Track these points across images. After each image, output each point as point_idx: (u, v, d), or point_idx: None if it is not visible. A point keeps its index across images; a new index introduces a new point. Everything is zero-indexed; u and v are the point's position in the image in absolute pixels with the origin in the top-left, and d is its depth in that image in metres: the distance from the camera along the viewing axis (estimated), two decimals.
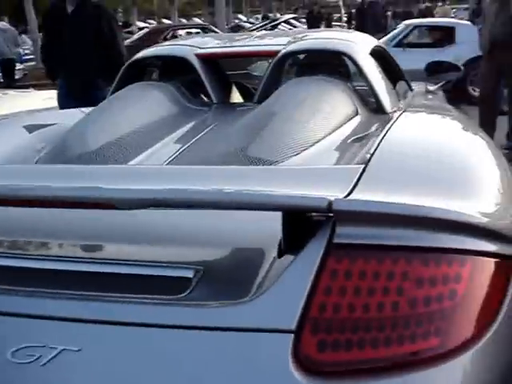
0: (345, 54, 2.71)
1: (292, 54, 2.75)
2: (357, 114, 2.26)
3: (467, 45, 8.70)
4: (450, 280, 1.10)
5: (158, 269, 1.23)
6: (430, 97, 3.44)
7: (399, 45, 8.80)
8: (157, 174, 1.29)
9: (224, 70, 3.05)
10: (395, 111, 2.42)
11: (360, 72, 2.61)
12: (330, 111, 2.17)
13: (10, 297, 1.15)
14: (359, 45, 2.82)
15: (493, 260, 1.17)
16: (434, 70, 3.62)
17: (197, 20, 30.33)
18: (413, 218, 1.11)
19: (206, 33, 13.50)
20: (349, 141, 1.98)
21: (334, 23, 24.56)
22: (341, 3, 27.49)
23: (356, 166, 1.33)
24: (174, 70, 2.91)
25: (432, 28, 9.82)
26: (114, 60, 4.16)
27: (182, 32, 13.97)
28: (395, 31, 9.69)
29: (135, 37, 13.63)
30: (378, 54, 2.85)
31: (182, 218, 1.39)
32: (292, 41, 2.78)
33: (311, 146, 1.88)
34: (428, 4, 32.13)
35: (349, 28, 24.93)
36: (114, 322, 1.09)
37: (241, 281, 1.19)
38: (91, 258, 1.31)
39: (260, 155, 1.78)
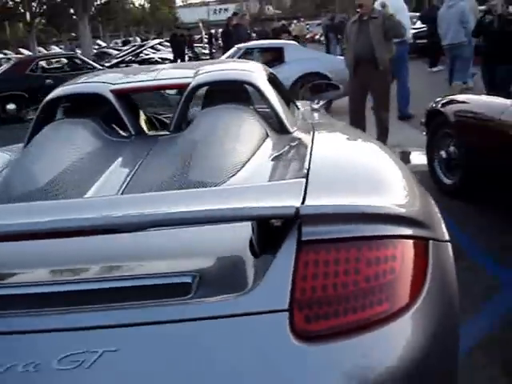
0: (248, 83, 3.05)
1: (201, 86, 3.01)
2: (267, 135, 2.58)
3: (295, 63, 9.45)
4: (389, 259, 1.46)
5: (162, 278, 1.48)
6: (316, 114, 3.85)
7: None
8: (142, 201, 1.52)
9: (135, 102, 3.27)
10: (295, 130, 2.79)
11: (263, 98, 2.95)
12: (247, 135, 2.49)
13: (51, 315, 1.36)
14: (258, 73, 3.17)
15: (415, 241, 1.54)
16: (316, 90, 4.06)
17: (56, 48, 29.61)
18: (357, 214, 1.47)
19: (75, 61, 13.38)
20: (272, 159, 2.31)
21: (195, 44, 25.16)
22: (201, 25, 28.00)
23: (298, 180, 1.65)
24: (90, 106, 3.08)
25: (263, 50, 10.20)
26: None
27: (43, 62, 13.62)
28: (228, 53, 9.99)
29: None
30: (271, 80, 3.21)
31: (172, 235, 1.64)
32: (199, 73, 3.06)
33: (242, 167, 2.19)
34: (284, 22, 33.57)
35: (210, 49, 25.69)
36: (136, 323, 1.33)
37: (232, 280, 1.47)
38: (111, 277, 1.53)
39: (201, 179, 2.05)
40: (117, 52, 18.96)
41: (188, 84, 2.98)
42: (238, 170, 2.16)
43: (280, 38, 15.62)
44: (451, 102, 4.99)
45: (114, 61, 13.06)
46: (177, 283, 1.47)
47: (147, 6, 62.62)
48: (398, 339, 1.41)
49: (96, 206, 1.49)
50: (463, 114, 4.68)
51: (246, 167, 2.20)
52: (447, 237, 1.71)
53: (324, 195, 1.54)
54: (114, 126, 2.96)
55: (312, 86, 3.99)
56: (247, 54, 9.56)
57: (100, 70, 11.41)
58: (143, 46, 14.20)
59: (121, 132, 2.97)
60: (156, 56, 17.09)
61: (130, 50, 13.49)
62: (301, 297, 1.37)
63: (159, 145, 2.66)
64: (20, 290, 1.50)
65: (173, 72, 3.42)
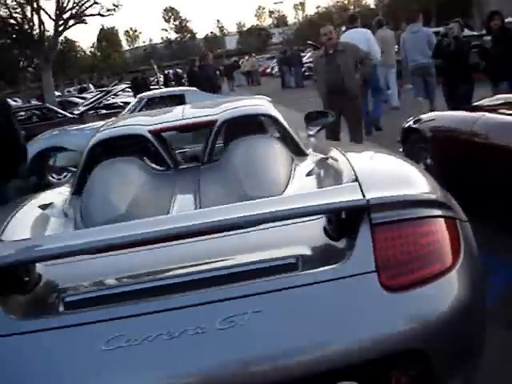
0: (267, 115, 3.55)
1: (227, 121, 3.48)
2: (293, 159, 3.09)
3: None
4: (434, 233, 1.96)
5: (277, 261, 1.98)
6: (313, 139, 4.36)
7: None
8: (240, 207, 1.98)
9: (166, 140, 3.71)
10: (310, 152, 3.29)
11: (280, 127, 3.46)
12: (279, 158, 2.99)
13: (210, 291, 1.83)
14: (269, 106, 3.68)
15: (449, 220, 2.05)
16: (311, 118, 4.58)
17: (17, 100, 29.73)
18: (407, 201, 1.98)
19: (43, 111, 13.57)
20: (307, 175, 2.81)
21: (151, 86, 25.67)
22: (155, 67, 28.48)
23: (353, 184, 2.13)
24: (130, 146, 3.52)
25: (164, 97, 10.40)
26: (16, 156, 4.21)
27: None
28: (131, 105, 10.29)
29: None
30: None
31: (268, 233, 2.13)
32: (220, 111, 3.55)
33: (288, 182, 2.69)
34: (235, 58, 34.42)
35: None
36: (268, 290, 1.80)
37: (325, 257, 1.95)
38: (239, 264, 2.01)
39: (260, 194, 2.51)
40: (82, 100, 19.28)
41: (214, 120, 3.45)
42: (287, 185, 2.65)
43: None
44: (425, 119, 5.58)
45: (82, 108, 13.41)
46: (287, 263, 1.95)
47: (98, 53, 63.40)
48: (449, 290, 1.91)
49: (200, 215, 1.97)
50: (437, 129, 5.27)
51: (292, 183, 2.69)
52: (466, 218, 2.23)
53: (376, 192, 2.04)
54: (154, 161, 3.41)
55: (305, 115, 4.51)
56: (150, 103, 9.91)
57: (71, 118, 11.81)
58: (110, 91, 14.60)
59: (160, 167, 3.41)
60: (118, 100, 17.48)
61: (98, 96, 13.86)
62: (381, 262, 1.86)
63: (204, 173, 3.12)
64: (186, 277, 1.99)
65: (195, 111, 3.89)
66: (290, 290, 1.80)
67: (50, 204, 2.91)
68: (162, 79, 26.51)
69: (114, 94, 16.52)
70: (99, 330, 1.74)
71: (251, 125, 3.59)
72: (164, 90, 12.22)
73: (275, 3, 58.17)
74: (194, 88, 10.88)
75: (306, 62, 25.60)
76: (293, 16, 77.09)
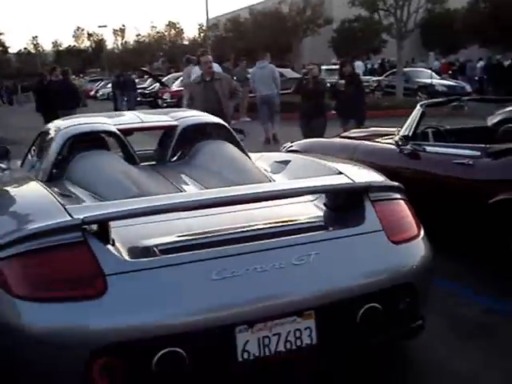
0: (220, 124, 4.18)
1: (188, 127, 4.05)
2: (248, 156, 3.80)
3: None
4: (405, 209, 2.82)
5: (308, 223, 2.64)
6: None
7: None
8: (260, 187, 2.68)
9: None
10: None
11: (229, 134, 4.12)
12: (242, 155, 3.67)
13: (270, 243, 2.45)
14: (214, 117, 4.33)
15: (406, 200, 2.89)
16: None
17: None
18: (385, 186, 2.79)
19: None
20: (272, 171, 3.53)
21: None
22: None
23: (341, 175, 2.92)
24: (99, 141, 3.91)
25: None
26: None
27: None
28: None
29: None
30: None
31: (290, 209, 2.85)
32: (180, 117, 4.11)
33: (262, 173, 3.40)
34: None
35: None
36: (304, 242, 2.47)
37: (343, 222, 2.66)
38: (277, 226, 2.68)
39: (248, 181, 3.15)
40: None
41: (175, 125, 4.01)
42: (264, 175, 3.34)
43: None
44: (302, 145, 6.48)
45: None
46: (317, 225, 2.62)
47: None
48: (421, 247, 2.73)
49: (245, 189, 2.62)
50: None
51: (266, 173, 3.39)
52: None
53: (359, 179, 2.83)
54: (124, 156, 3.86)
55: None
56: None
57: None
58: None
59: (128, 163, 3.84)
60: None
61: None
62: (385, 224, 2.64)
63: (177, 168, 3.68)
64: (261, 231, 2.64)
65: (151, 117, 4.39)
66: (332, 241, 2.53)
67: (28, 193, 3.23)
68: None
69: None
70: (210, 265, 2.29)
71: (206, 130, 4.20)
72: None
73: (99, 26, 57.59)
74: None
75: (140, 88, 25.97)
76: (112, 41, 76.51)
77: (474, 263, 4.51)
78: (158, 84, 26.04)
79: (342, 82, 8.82)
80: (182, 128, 4.00)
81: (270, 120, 11.63)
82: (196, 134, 4.09)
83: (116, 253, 2.30)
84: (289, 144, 6.65)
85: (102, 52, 66.06)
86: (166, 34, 68.59)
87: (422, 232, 2.82)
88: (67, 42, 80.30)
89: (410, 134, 5.14)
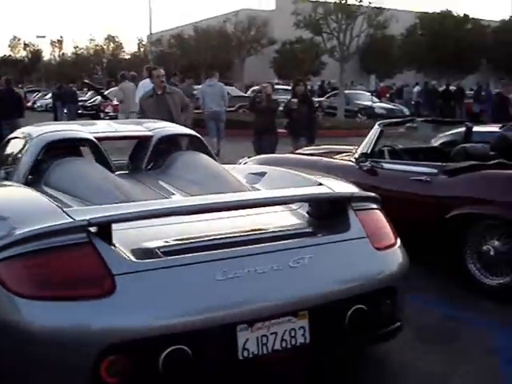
0: (192, 135, 4.29)
1: (162, 137, 4.14)
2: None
3: None
4: (383, 218, 2.99)
5: (296, 230, 2.78)
6: None
7: None
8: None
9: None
10: None
11: (202, 144, 4.23)
12: (220, 167, 3.79)
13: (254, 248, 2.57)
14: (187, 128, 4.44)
15: (381, 210, 3.06)
16: None
17: None
18: (361, 197, 3.00)
19: None
20: (249, 180, 3.67)
21: None
22: None
23: (322, 187, 3.07)
24: (75, 148, 3.94)
25: None
26: None
27: None
28: None
29: None
30: None
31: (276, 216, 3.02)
32: (154, 127, 4.20)
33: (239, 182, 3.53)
34: None
35: None
36: (294, 247, 2.62)
37: (329, 229, 2.80)
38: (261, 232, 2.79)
39: (225, 189, 3.26)
40: None
41: (150, 136, 4.09)
42: (245, 186, 3.46)
43: None
44: (258, 160, 6.62)
45: None
46: (307, 231, 2.80)
47: None
48: (399, 254, 2.92)
49: (242, 196, 2.73)
50: None
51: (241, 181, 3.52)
52: None
53: (339, 190, 3.00)
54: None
55: None
56: None
57: None
58: None
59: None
60: None
61: None
62: (368, 231, 2.82)
63: (153, 176, 3.78)
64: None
65: (124, 126, 4.44)
66: (323, 246, 2.68)
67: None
68: None
69: None
70: (214, 266, 2.40)
71: (180, 141, 4.30)
72: None
73: (38, 37, 56.33)
74: None
75: (80, 100, 25.65)
76: (49, 52, 74.96)
77: (432, 274, 4.76)
78: (99, 97, 25.77)
79: (295, 100, 9.06)
80: (157, 138, 4.09)
81: (216, 135, 11.89)
82: (170, 144, 4.18)
83: (121, 254, 2.37)
84: (245, 159, 6.79)
85: (38, 63, 64.64)
86: (105, 47, 67.90)
87: (399, 240, 3.00)
88: (2, 51, 78.33)
89: (369, 152, 5.38)
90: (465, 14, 45.23)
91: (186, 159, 3.88)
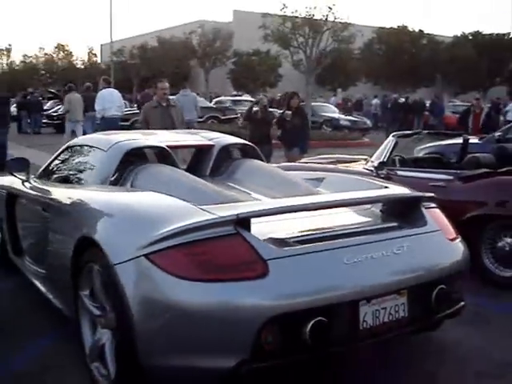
0: (248, 144, 4.77)
1: (224, 146, 4.60)
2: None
3: None
4: (443, 216, 3.53)
5: (386, 224, 3.31)
6: None
7: None
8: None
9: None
10: None
11: (256, 153, 4.71)
12: (286, 173, 4.29)
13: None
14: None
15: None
16: None
17: None
18: (426, 197, 3.53)
19: None
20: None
21: None
22: None
23: (387, 188, 3.62)
24: (147, 157, 4.33)
25: None
26: None
27: None
28: None
29: None
30: None
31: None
32: (211, 137, 4.66)
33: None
34: None
35: None
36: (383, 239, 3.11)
37: (409, 224, 3.32)
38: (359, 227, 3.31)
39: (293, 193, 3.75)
40: None
41: (211, 145, 4.55)
42: (313, 189, 3.97)
43: None
44: None
45: None
46: (395, 226, 3.31)
47: None
48: (463, 246, 3.47)
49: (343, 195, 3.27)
50: None
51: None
52: None
53: (405, 191, 3.59)
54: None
55: None
56: None
57: None
58: None
59: None
60: None
61: None
62: (439, 226, 3.36)
63: (221, 181, 4.24)
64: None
65: (183, 136, 4.89)
66: (414, 236, 3.21)
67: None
68: None
69: None
70: (341, 252, 2.88)
71: (239, 150, 4.79)
72: None
73: None
74: None
75: (47, 109, 25.54)
76: None
77: None
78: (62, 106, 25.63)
79: (289, 112, 9.60)
80: (219, 147, 4.54)
81: None
82: (230, 152, 4.65)
83: (266, 243, 2.82)
84: None
85: None
86: (55, 56, 67.00)
87: (459, 235, 3.55)
88: None
89: (385, 160, 5.97)
90: (420, 30, 47.23)
91: (250, 166, 4.35)
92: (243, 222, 2.81)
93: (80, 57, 71.95)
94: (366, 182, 3.93)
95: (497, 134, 8.35)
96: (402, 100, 25.41)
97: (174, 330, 2.65)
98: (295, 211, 3.09)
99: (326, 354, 2.81)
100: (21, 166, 4.93)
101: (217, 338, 2.64)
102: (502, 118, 22.54)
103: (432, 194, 3.61)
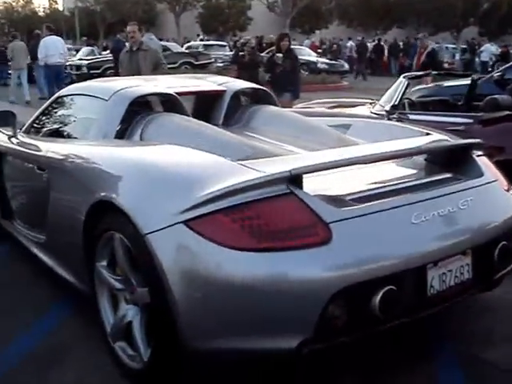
0: (260, 89, 4.33)
1: (236, 92, 4.15)
2: None
3: None
4: (492, 164, 3.18)
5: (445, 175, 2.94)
6: None
7: None
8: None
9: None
10: None
11: (271, 98, 4.29)
12: (306, 118, 3.88)
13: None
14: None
15: None
16: None
17: None
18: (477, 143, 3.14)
19: None
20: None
21: None
22: None
23: (441, 135, 3.24)
24: (159, 104, 3.88)
25: None
26: None
27: None
28: None
29: None
30: None
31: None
32: (221, 82, 4.21)
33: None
34: None
35: None
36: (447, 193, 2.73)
37: (462, 176, 2.95)
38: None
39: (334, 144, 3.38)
40: None
41: (223, 90, 4.10)
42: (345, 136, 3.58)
43: None
44: None
45: None
46: (451, 177, 2.94)
47: None
48: None
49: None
50: None
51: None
52: None
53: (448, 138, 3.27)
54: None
55: None
56: None
57: None
58: None
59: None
60: None
61: None
62: (494, 175, 3.02)
63: (239, 130, 3.79)
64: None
65: (191, 81, 4.40)
66: (476, 189, 2.85)
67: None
68: None
69: None
70: (408, 210, 2.51)
71: (253, 95, 4.35)
72: None
73: None
74: None
75: None
76: None
77: None
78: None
79: (280, 55, 9.09)
80: (231, 92, 4.09)
81: None
82: (244, 98, 4.21)
83: (324, 203, 2.41)
84: None
85: None
86: (15, 4, 64.30)
87: None
88: None
89: (397, 103, 5.59)
90: None
91: (268, 112, 3.92)
92: (296, 179, 2.40)
93: (42, 4, 69.20)
94: (401, 129, 3.55)
95: (495, 74, 8.02)
96: (375, 42, 24.95)
97: (222, 307, 2.28)
98: (353, 164, 2.73)
99: (393, 326, 2.47)
100: (5, 119, 4.42)
101: (275, 316, 2.26)
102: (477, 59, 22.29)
103: (480, 141, 3.25)
